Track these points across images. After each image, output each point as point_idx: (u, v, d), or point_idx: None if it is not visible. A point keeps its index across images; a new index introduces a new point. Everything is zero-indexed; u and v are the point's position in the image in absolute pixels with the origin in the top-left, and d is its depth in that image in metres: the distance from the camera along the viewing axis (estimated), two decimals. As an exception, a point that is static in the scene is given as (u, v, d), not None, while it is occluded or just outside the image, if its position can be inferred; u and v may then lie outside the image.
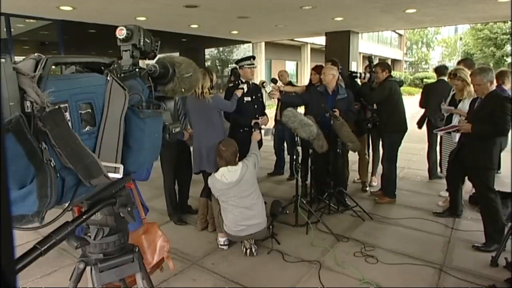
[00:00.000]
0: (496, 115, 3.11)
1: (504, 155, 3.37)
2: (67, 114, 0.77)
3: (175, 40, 8.84)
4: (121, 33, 1.09)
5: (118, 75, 1.00)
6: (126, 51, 1.11)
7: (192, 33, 8.50)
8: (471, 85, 3.57)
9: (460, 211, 3.95)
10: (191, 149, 3.85)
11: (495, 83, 3.42)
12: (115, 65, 1.01)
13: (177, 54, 9.24)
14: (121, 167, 0.85)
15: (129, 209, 1.03)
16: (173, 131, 1.15)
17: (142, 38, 1.11)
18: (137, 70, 1.07)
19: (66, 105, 0.77)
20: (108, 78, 0.92)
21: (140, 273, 1.19)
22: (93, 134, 0.85)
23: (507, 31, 27.55)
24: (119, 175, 0.85)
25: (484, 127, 3.19)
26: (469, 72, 3.72)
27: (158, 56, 1.29)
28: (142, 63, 1.19)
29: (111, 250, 1.11)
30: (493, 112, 3.12)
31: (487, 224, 3.29)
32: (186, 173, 4.02)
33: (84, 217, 0.93)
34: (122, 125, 0.89)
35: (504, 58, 26.44)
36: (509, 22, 25.44)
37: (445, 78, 4.62)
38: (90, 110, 0.85)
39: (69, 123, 0.77)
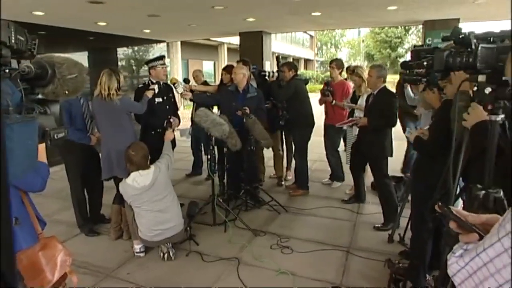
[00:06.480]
0: (386, 109, 3.51)
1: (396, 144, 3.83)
2: None
3: (81, 39, 8.17)
4: (-15, 29, 0.97)
5: (-19, 77, 0.89)
6: (-8, 50, 0.99)
7: (101, 31, 7.95)
8: (366, 82, 3.97)
9: (364, 197, 4.37)
10: (100, 154, 3.62)
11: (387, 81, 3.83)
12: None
13: (85, 54, 8.54)
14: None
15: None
16: (55, 137, 1.06)
17: (13, 35, 1.01)
18: (6, 71, 0.97)
19: None
20: (-34, 80, 0.82)
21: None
22: None
23: (399, 35, 31.34)
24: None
25: (377, 120, 3.57)
26: (365, 70, 4.17)
27: (40, 56, 1.18)
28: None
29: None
30: (383, 107, 3.52)
31: (384, 206, 3.70)
32: (96, 181, 3.76)
33: None
34: (-14, 132, 0.80)
35: (397, 59, 29.92)
36: (400, 27, 28.87)
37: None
38: None
39: None
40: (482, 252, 0.67)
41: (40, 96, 1.13)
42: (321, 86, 4.87)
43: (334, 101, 4.60)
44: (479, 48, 1.25)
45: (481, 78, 1.29)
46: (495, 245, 0.65)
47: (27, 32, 1.10)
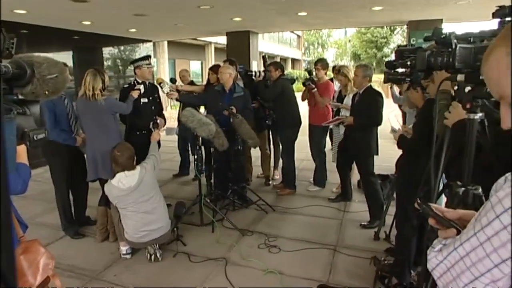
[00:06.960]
0: (371, 108, 3.56)
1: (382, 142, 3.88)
2: None
3: (65, 38, 8.03)
4: (-39, 28, 0.95)
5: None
6: (-32, 49, 0.97)
7: (86, 30, 7.84)
8: (353, 81, 4.01)
9: (350, 195, 4.42)
10: (86, 156, 3.57)
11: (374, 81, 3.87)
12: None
13: (70, 53, 8.40)
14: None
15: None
16: (35, 138, 1.04)
17: (-11, 34, 0.98)
18: (-18, 71, 0.94)
19: None
20: None
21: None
22: None
23: (385, 35, 31.82)
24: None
25: (363, 119, 3.61)
26: (351, 69, 4.20)
27: (19, 55, 1.16)
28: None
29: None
30: (369, 106, 3.56)
31: (370, 204, 3.74)
32: (81, 182, 3.70)
33: None
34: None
35: (383, 58, 30.32)
36: (385, 28, 29.25)
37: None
38: None
39: None
40: (459, 246, 0.69)
41: (20, 97, 1.11)
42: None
43: (315, 89, 4.49)
44: (458, 48, 1.28)
45: (460, 77, 1.32)
46: (471, 239, 0.67)
47: (5, 31, 1.08)
